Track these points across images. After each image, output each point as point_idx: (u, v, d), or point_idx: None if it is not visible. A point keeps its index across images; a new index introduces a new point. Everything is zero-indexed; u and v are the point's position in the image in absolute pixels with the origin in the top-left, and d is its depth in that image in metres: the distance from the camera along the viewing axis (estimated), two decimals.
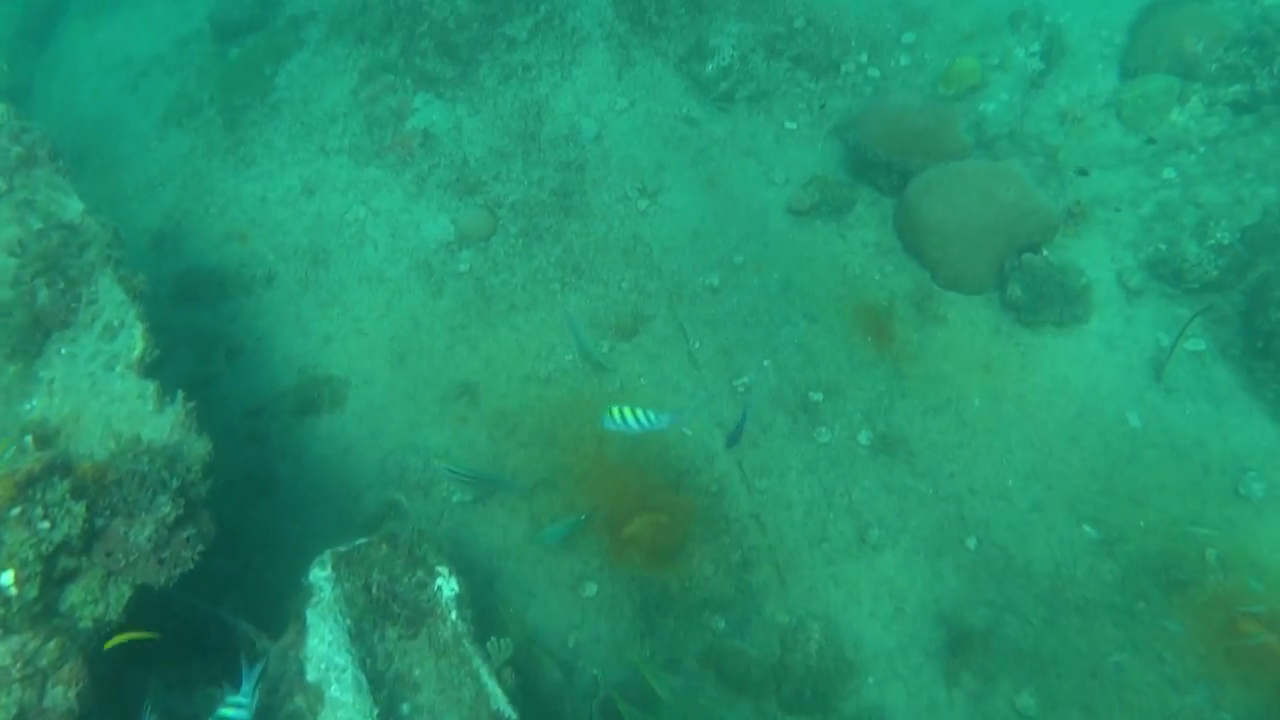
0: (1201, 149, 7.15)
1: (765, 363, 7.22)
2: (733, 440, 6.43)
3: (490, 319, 7.54)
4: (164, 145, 8.72)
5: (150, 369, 4.79)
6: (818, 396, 7.04)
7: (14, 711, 3.56)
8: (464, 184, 8.11)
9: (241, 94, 8.67)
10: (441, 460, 6.43)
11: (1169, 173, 7.16)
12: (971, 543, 6.34)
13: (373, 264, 7.83)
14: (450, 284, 7.72)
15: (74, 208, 5.41)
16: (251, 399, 7.27)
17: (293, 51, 8.91)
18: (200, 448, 4.31)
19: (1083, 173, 6.99)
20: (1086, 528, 6.26)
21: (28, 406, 4.82)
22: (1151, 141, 6.95)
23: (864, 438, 6.84)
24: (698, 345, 7.32)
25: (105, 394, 4.70)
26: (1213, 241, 6.64)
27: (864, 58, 8.47)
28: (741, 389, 7.11)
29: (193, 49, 9.27)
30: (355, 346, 7.49)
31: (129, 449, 4.05)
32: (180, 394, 4.56)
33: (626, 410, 5.41)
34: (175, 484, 3.93)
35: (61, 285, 5.01)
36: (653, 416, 5.45)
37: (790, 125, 8.28)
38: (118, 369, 4.78)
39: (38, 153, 5.49)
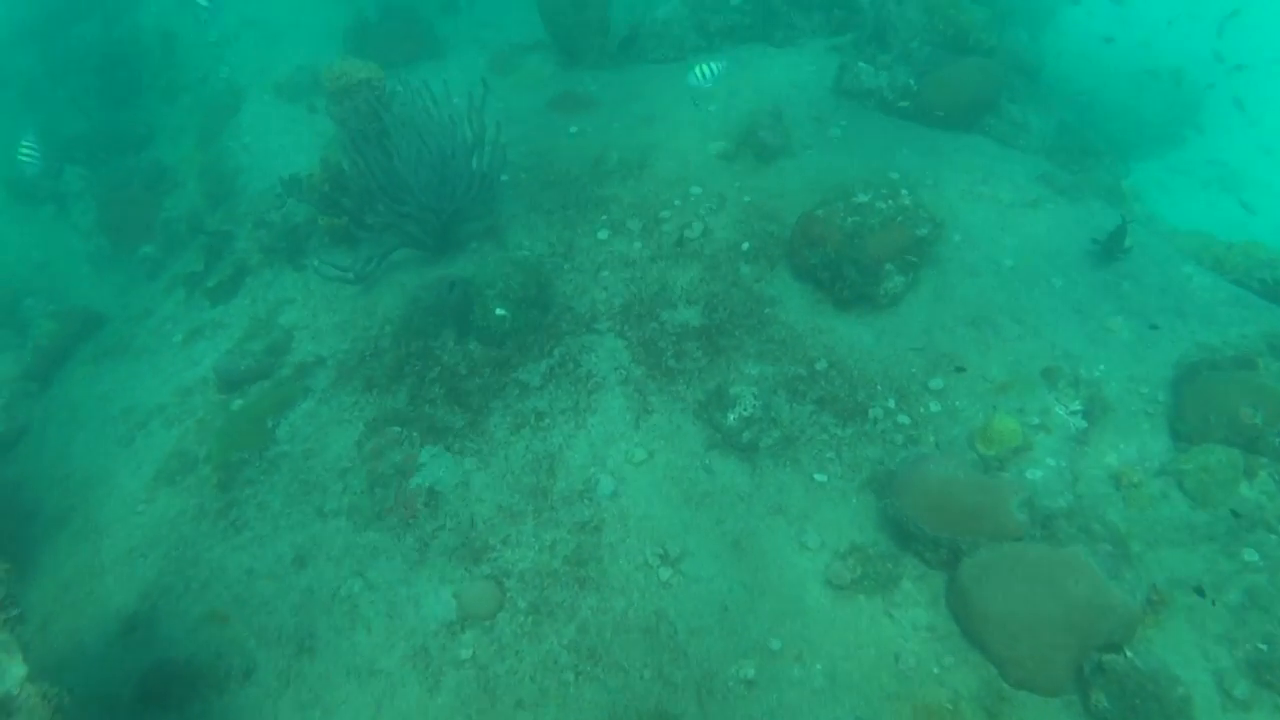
0: None
1: None
2: None
3: None
4: (151, 508, 8.14)
5: None
6: None
7: None
8: (469, 549, 7.45)
9: (240, 449, 8.23)
10: None
11: (1251, 555, 6.46)
12: None
13: (364, 652, 6.97)
14: (450, 675, 6.82)
15: (15, 674, 4.66)
16: None
17: (297, 400, 8.59)
18: None
19: (1200, 592, 6.29)
20: None
21: None
22: (1236, 515, 6.35)
23: None
24: None
25: None
26: None
27: (891, 403, 8.11)
28: None
29: (195, 400, 8.92)
30: None
31: None
32: None
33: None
34: None
35: None
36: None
37: (820, 477, 7.75)
38: None
39: None
